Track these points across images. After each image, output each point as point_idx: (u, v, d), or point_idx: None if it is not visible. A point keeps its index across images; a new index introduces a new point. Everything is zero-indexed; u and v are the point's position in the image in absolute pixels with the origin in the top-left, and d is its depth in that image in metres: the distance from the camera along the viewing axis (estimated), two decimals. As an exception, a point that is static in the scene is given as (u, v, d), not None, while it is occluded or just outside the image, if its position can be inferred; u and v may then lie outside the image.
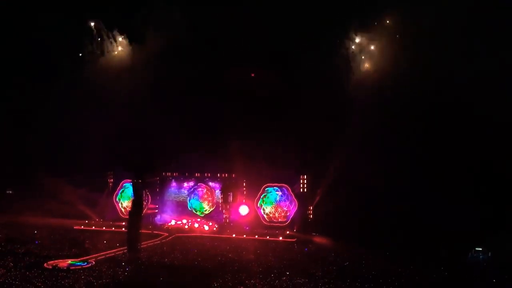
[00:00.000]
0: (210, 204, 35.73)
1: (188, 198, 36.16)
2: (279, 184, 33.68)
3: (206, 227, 32.94)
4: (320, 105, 30.51)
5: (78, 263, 19.31)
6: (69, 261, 19.71)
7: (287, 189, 33.36)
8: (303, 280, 17.28)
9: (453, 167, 27.80)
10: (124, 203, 36.58)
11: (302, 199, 32.98)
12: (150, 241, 26.88)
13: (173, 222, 34.31)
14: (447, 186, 27.39)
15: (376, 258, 22.43)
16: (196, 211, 35.71)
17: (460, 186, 27.16)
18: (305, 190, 33.05)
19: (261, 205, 33.72)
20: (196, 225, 33.50)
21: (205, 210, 35.66)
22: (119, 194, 37.23)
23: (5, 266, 18.34)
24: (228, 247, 25.60)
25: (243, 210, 34.03)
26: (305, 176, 33.13)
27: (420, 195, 27.68)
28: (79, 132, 32.95)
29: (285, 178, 33.63)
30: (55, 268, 18.40)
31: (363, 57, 31.41)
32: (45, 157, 34.19)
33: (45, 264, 18.93)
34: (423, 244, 25.08)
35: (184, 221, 34.28)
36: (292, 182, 33.39)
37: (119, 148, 32.52)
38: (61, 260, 19.84)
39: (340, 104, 30.48)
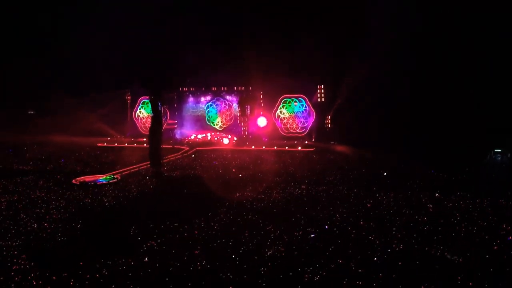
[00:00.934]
0: (228, 118, 36.08)
1: (206, 112, 36.50)
2: (297, 95, 33.54)
3: (226, 140, 33.44)
4: (340, 11, 29.30)
5: (105, 179, 19.91)
6: (96, 177, 20.33)
7: (305, 100, 33.26)
8: (322, 187, 17.65)
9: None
10: (144, 118, 37.27)
11: (320, 109, 33.00)
12: (171, 155, 27.53)
13: (193, 136, 34.89)
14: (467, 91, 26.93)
15: (394, 163, 22.72)
16: (214, 125, 36.19)
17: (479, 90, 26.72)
18: (323, 100, 32.93)
19: (279, 116, 33.88)
20: (216, 138, 34.08)
21: (223, 124, 36.07)
22: (138, 109, 37.73)
23: (35, 183, 19.05)
24: (248, 159, 26.09)
25: (261, 121, 34.28)
26: (323, 86, 32.84)
27: (440, 102, 27.40)
28: (94, 50, 32.56)
29: (303, 88, 33.43)
30: (83, 183, 19.03)
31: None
32: (62, 76, 34.29)
33: (73, 181, 19.55)
34: (443, 148, 25.25)
35: (204, 135, 34.85)
36: (310, 92, 33.22)
37: (135, 65, 32.22)
38: (88, 176, 20.48)
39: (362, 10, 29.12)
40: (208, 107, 36.41)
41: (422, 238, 11.52)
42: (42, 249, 11.20)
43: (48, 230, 12.48)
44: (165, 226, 12.65)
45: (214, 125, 36.13)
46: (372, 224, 12.76)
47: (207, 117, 36.49)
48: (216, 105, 36.22)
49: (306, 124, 33.41)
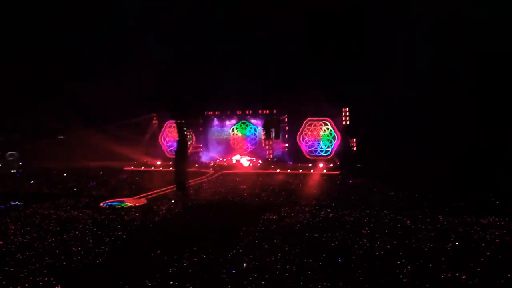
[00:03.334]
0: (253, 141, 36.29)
1: (231, 135, 36.74)
2: (321, 118, 33.51)
3: (250, 163, 33.55)
4: (363, 37, 29.47)
5: (131, 203, 20.16)
6: (123, 200, 20.61)
7: (330, 123, 33.18)
8: (347, 211, 17.46)
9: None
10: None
11: (345, 132, 32.82)
12: (197, 179, 27.70)
13: (218, 160, 35.17)
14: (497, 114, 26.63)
15: (421, 188, 22.33)
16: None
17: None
18: (348, 123, 32.78)
19: (304, 139, 33.85)
20: (247, 161, 34.02)
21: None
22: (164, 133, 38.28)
23: (64, 206, 19.43)
24: (273, 182, 26.06)
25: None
26: (348, 109, 32.74)
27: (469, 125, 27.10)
28: (122, 76, 33.19)
29: (327, 111, 33.36)
30: (111, 207, 19.32)
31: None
32: (90, 103, 34.98)
33: (101, 204, 19.90)
34: (471, 171, 24.80)
35: (228, 158, 35.05)
36: (335, 115, 33.14)
37: (162, 90, 32.87)
38: (115, 200, 20.81)
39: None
40: (232, 131, 36.62)
41: (452, 263, 11.26)
42: (70, 271, 11.39)
43: (76, 252, 12.69)
44: (190, 250, 12.69)
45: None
46: (399, 249, 12.55)
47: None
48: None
49: (331, 147, 33.26)
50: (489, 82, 26.81)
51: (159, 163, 35.52)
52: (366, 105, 30.32)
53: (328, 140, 33.31)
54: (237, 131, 36.51)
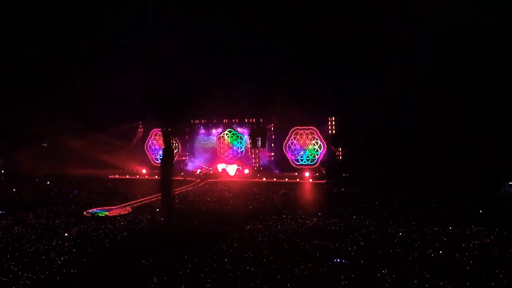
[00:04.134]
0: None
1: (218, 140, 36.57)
2: (307, 127, 33.61)
3: (236, 172, 33.46)
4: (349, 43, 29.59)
5: (116, 211, 19.97)
6: (107, 209, 20.38)
7: (316, 132, 33.29)
8: (334, 219, 17.48)
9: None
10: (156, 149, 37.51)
11: (331, 141, 32.96)
12: (183, 187, 27.54)
13: (204, 167, 34.95)
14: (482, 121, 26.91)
15: (407, 197, 22.48)
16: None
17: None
18: (334, 132, 32.93)
19: (290, 148, 33.89)
20: (234, 170, 33.79)
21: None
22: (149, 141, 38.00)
23: (46, 214, 19.15)
24: (259, 191, 26.00)
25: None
26: (334, 118, 32.91)
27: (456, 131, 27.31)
28: (108, 84, 32.88)
29: (313, 120, 33.48)
30: (94, 215, 19.09)
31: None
32: (74, 109, 34.56)
33: (84, 212, 19.66)
34: (456, 178, 25.02)
35: (214, 167, 34.89)
36: (321, 124, 33.26)
37: (148, 98, 32.66)
38: (99, 208, 20.57)
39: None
40: (218, 140, 36.47)
41: (436, 271, 11.32)
42: (52, 281, 11.19)
43: (58, 262, 12.49)
44: (175, 259, 12.56)
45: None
46: (384, 257, 12.58)
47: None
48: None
49: (317, 156, 33.31)
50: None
51: (144, 171, 35.23)
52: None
53: (314, 149, 33.38)
54: (223, 139, 36.42)
